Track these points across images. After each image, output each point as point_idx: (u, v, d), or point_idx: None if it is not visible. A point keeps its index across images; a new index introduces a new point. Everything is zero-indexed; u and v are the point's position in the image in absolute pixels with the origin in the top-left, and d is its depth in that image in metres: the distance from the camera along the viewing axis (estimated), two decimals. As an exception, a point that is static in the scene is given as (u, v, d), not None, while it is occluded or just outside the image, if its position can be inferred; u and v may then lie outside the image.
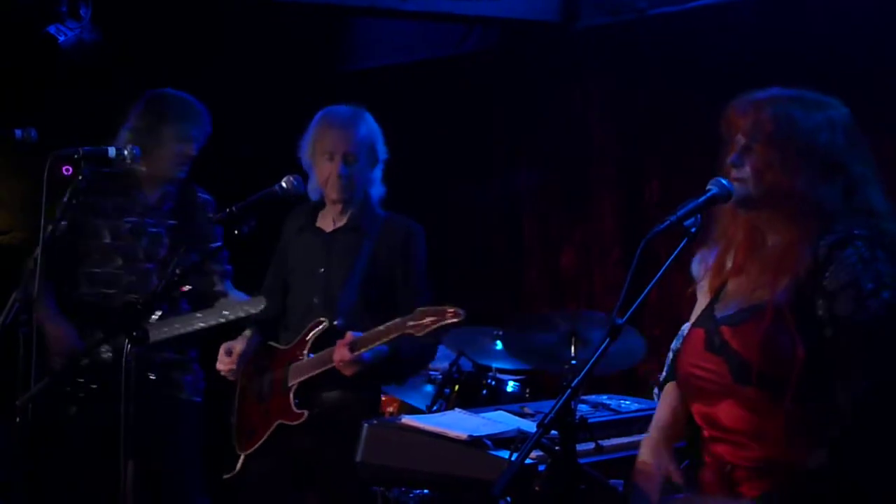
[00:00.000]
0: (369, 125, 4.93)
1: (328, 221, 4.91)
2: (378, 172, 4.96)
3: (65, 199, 4.65)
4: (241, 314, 4.96)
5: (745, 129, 3.30)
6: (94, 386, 5.09)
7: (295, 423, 4.68)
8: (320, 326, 4.69)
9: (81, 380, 5.07)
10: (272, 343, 4.86)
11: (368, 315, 4.61)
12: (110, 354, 4.98)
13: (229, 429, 5.00)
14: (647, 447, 3.51)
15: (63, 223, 4.79)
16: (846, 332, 3.11)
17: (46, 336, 5.06)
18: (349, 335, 4.56)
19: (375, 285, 4.74)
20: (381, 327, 4.51)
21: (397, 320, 4.46)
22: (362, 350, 4.53)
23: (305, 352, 4.70)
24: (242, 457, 4.80)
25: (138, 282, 5.19)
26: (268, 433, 4.72)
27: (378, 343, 4.53)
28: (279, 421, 4.71)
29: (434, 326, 4.40)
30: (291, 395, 4.70)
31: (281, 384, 4.73)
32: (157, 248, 5.23)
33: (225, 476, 4.87)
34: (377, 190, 4.95)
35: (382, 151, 4.94)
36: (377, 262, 4.74)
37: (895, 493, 3.15)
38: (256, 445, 4.74)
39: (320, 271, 4.77)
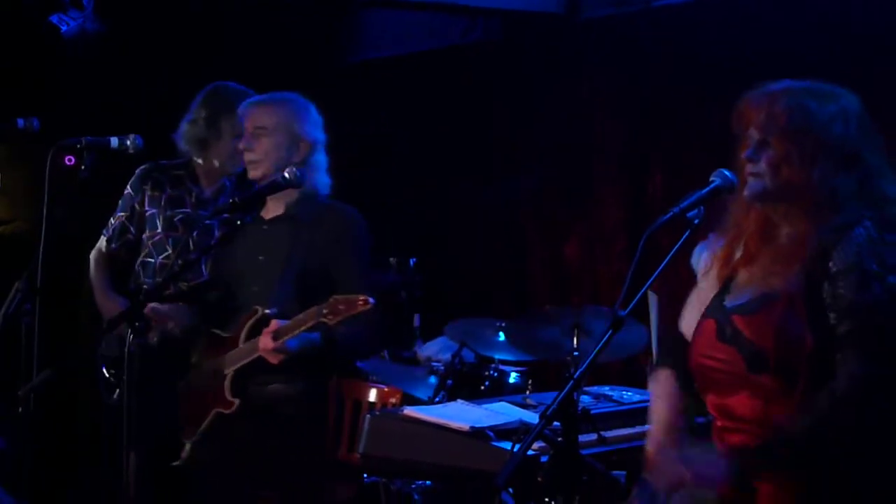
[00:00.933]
0: (283, 105, 4.87)
1: (268, 209, 4.88)
2: (316, 159, 4.88)
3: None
4: None
5: (759, 123, 3.28)
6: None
7: (228, 411, 4.67)
8: (255, 316, 4.68)
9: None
10: (215, 331, 4.84)
11: (305, 303, 4.59)
12: (156, 339, 4.97)
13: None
14: (654, 448, 3.49)
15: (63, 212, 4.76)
16: (848, 314, 3.10)
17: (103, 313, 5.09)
18: (273, 323, 4.54)
19: (312, 275, 4.71)
20: (301, 315, 4.51)
21: (314, 308, 4.44)
22: (285, 338, 4.51)
23: (241, 340, 4.69)
24: (188, 444, 4.78)
25: (187, 272, 5.16)
26: (206, 421, 4.70)
27: (298, 331, 4.51)
28: (216, 409, 4.69)
29: (346, 314, 4.38)
30: (227, 384, 4.68)
31: (219, 372, 4.72)
32: (208, 240, 5.20)
33: (173, 463, 4.86)
34: (320, 178, 4.89)
35: (308, 133, 4.85)
36: (314, 252, 4.70)
37: (890, 476, 3.16)
38: (197, 433, 4.71)
39: (259, 259, 4.74)
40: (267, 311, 4.63)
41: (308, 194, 4.81)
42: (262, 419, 4.67)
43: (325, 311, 4.38)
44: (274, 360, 4.53)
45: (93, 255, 5.19)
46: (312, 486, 4.81)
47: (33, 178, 4.80)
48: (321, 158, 4.91)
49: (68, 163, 4.88)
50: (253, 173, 4.81)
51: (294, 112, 4.84)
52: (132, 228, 5.16)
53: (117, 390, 5.06)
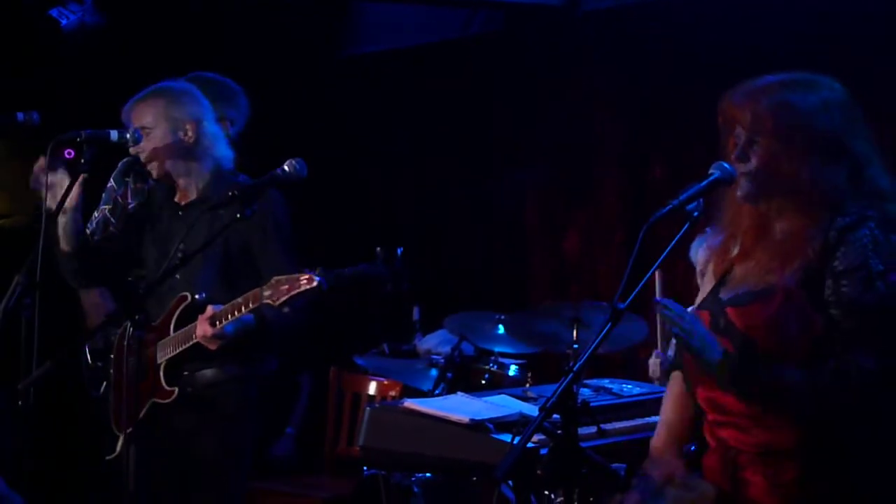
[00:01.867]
0: (157, 96, 4.85)
1: (181, 194, 4.87)
2: (208, 134, 4.85)
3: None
4: None
5: (744, 122, 3.28)
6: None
7: (166, 400, 4.65)
8: (184, 303, 4.66)
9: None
10: (137, 318, 4.79)
11: (231, 287, 4.58)
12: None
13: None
14: (656, 449, 3.51)
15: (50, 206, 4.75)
16: (853, 313, 3.11)
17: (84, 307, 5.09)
18: (210, 309, 4.52)
19: (234, 258, 4.69)
20: (238, 299, 4.48)
21: (255, 290, 4.42)
22: (223, 323, 4.50)
23: (171, 328, 4.67)
24: (122, 437, 4.73)
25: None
26: (143, 412, 4.68)
27: (238, 315, 4.49)
28: (152, 399, 4.67)
29: (291, 294, 4.35)
30: (161, 373, 4.66)
31: (152, 362, 4.69)
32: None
33: (106, 457, 4.83)
34: (221, 152, 4.86)
35: (190, 113, 4.79)
36: (233, 234, 4.65)
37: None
38: (132, 425, 4.65)
39: (180, 246, 4.70)
40: (196, 296, 4.60)
41: (216, 173, 4.78)
42: (198, 407, 4.65)
43: (266, 293, 4.36)
44: (213, 346, 4.51)
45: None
46: (240, 479, 4.79)
47: (32, 171, 4.79)
48: (213, 130, 4.86)
49: (68, 156, 4.86)
50: (156, 173, 4.82)
51: (168, 99, 4.80)
52: (114, 221, 5.14)
53: (104, 383, 5.05)
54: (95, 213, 5.20)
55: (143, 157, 4.76)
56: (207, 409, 4.66)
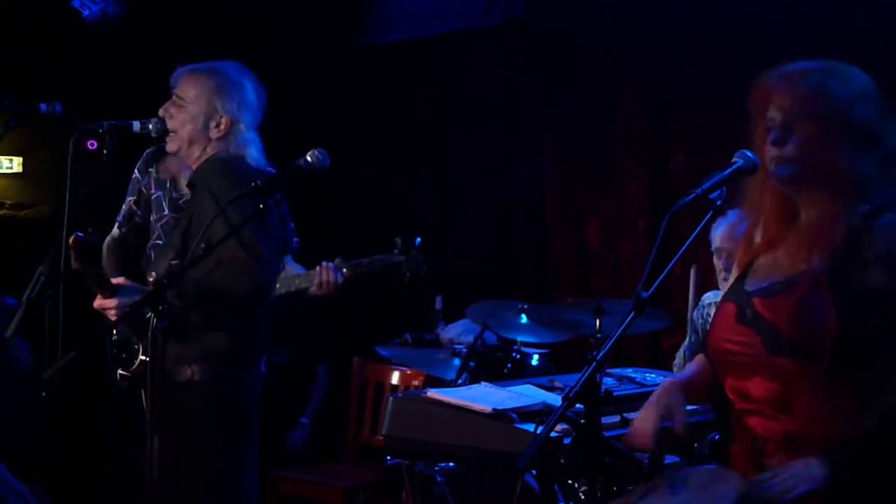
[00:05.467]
0: (210, 76, 4.85)
1: (182, 180, 4.91)
2: (240, 138, 4.80)
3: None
4: (293, 288, 4.95)
5: (782, 105, 3.25)
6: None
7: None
8: None
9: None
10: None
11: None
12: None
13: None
14: (660, 389, 3.48)
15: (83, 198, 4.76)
16: (876, 303, 3.09)
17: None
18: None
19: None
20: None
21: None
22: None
23: None
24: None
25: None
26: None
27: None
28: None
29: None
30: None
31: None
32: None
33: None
34: (251, 155, 4.82)
35: (230, 110, 4.75)
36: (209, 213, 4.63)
37: None
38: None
39: (203, 238, 4.67)
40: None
41: (212, 160, 4.77)
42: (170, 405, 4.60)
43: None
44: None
45: (106, 241, 5.18)
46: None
47: (56, 162, 4.81)
48: (249, 137, 4.83)
49: (90, 147, 4.87)
50: (169, 146, 4.81)
51: (219, 85, 4.78)
52: (139, 212, 5.15)
53: (126, 373, 5.06)
54: (123, 206, 5.21)
55: (169, 124, 4.76)
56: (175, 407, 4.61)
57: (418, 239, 4.87)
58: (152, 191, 5.07)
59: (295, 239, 5.12)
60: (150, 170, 5.14)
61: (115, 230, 5.17)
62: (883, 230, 3.13)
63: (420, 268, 4.87)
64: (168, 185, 5.02)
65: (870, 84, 3.28)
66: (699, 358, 3.59)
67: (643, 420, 3.42)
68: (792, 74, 3.27)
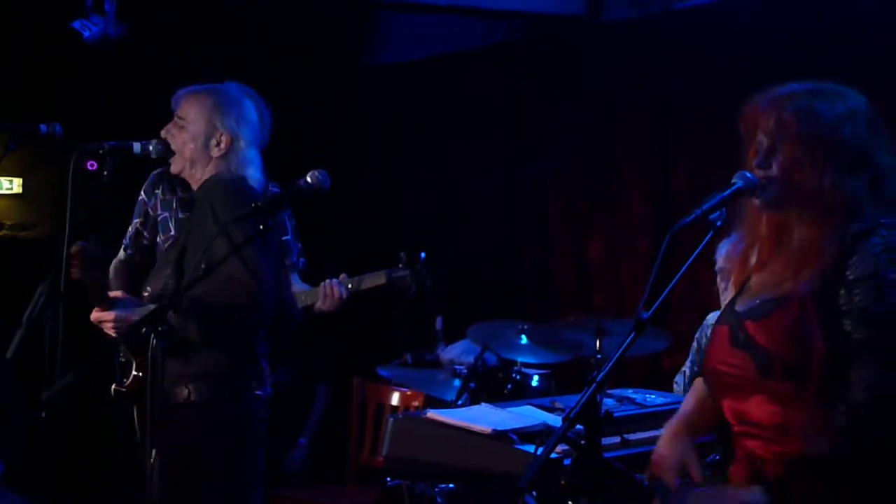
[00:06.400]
0: (209, 96, 4.84)
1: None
2: (240, 156, 4.76)
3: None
4: (299, 305, 4.96)
5: (767, 128, 3.26)
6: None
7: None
8: None
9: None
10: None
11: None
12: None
13: None
14: (667, 435, 3.49)
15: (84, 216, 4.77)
16: (863, 323, 3.09)
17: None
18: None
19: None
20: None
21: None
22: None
23: None
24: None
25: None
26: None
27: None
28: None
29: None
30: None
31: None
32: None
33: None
34: (252, 176, 4.78)
35: (230, 127, 4.71)
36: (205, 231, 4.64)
37: None
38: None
39: (203, 259, 4.68)
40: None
41: (214, 180, 4.76)
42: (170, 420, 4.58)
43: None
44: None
45: (113, 263, 5.19)
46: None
47: (56, 182, 4.81)
48: (249, 155, 4.80)
49: (90, 168, 4.87)
50: (173, 167, 4.80)
51: (218, 104, 4.76)
52: (146, 233, 5.16)
53: (126, 393, 5.06)
54: (129, 228, 5.22)
55: (172, 145, 4.76)
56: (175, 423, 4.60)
57: (423, 253, 4.89)
58: (159, 212, 5.08)
59: (302, 259, 5.13)
60: (156, 191, 5.14)
61: (122, 253, 5.17)
62: (870, 250, 3.12)
63: (424, 281, 4.88)
64: (174, 206, 5.02)
65: (860, 105, 3.27)
66: (696, 387, 3.59)
67: (662, 472, 3.43)
68: (779, 97, 3.27)
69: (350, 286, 4.88)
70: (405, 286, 4.87)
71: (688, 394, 3.66)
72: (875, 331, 3.08)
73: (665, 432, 3.51)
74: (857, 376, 3.07)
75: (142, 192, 5.18)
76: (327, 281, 4.88)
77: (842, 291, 3.13)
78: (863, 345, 3.08)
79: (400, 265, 4.90)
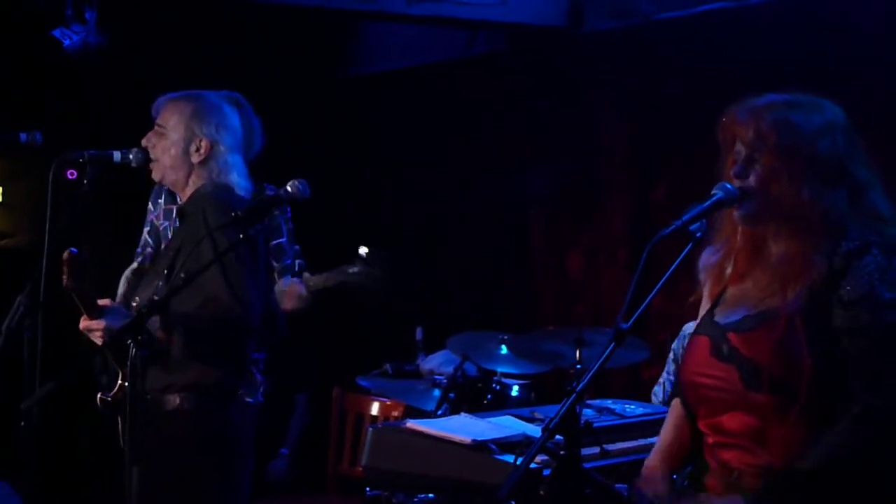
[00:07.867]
0: (187, 102, 4.81)
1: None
2: (221, 161, 4.72)
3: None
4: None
5: (745, 138, 3.26)
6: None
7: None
8: None
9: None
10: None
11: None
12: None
13: None
14: (647, 469, 3.51)
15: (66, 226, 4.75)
16: (862, 343, 3.09)
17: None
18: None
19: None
20: None
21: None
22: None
23: None
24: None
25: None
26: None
27: None
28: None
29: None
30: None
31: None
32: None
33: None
34: (236, 182, 4.75)
35: (209, 133, 4.68)
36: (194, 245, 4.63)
37: None
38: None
39: (183, 268, 4.66)
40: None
41: (204, 190, 4.74)
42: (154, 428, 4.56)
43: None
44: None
45: (125, 273, 5.17)
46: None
47: (36, 191, 4.80)
48: (230, 161, 4.76)
49: (70, 177, 4.86)
50: (154, 174, 4.79)
51: (197, 110, 4.74)
52: (151, 242, 5.17)
53: (108, 402, 5.04)
54: (141, 238, 5.23)
55: (151, 153, 4.75)
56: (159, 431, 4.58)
57: (389, 252, 4.89)
58: (160, 222, 5.09)
59: (298, 261, 5.15)
60: (158, 201, 5.15)
61: (134, 262, 5.17)
62: (864, 270, 3.12)
63: (375, 282, 4.88)
64: (174, 216, 5.02)
65: (837, 117, 3.27)
66: (672, 414, 3.58)
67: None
68: (757, 108, 3.27)
69: (311, 284, 4.93)
70: (359, 283, 4.89)
71: (667, 418, 3.65)
72: (872, 350, 3.08)
73: (645, 468, 3.52)
74: (854, 395, 3.08)
75: (149, 202, 5.20)
76: (291, 280, 4.94)
77: (838, 311, 3.13)
78: (860, 364, 3.09)
79: (357, 262, 4.91)
